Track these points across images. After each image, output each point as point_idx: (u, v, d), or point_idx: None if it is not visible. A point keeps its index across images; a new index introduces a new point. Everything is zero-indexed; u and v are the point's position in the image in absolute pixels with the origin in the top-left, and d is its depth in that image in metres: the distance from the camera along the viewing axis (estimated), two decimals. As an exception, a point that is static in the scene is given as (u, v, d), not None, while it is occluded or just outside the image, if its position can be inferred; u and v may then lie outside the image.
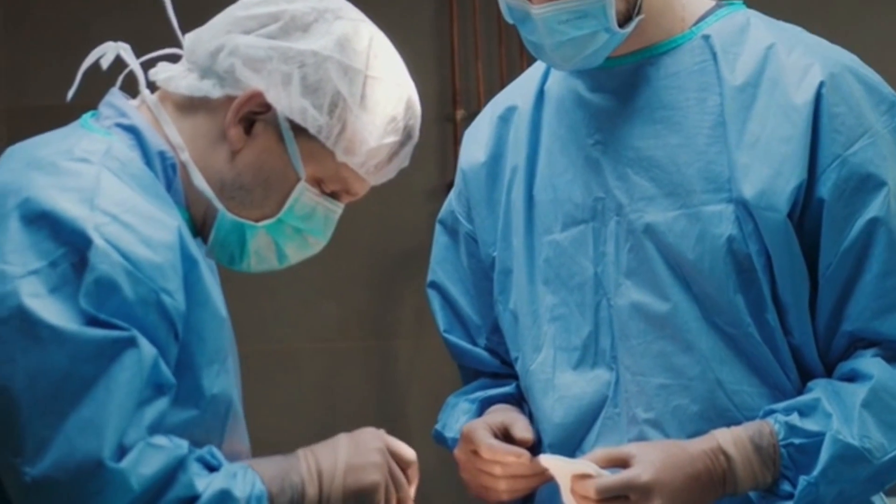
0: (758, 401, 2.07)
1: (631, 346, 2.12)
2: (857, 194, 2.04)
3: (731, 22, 2.14)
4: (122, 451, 1.69)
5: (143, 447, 1.70)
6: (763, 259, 2.05)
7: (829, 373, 2.09)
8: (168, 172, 1.88)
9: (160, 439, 1.72)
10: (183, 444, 1.74)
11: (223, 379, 1.87)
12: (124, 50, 1.94)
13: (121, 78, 1.95)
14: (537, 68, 2.28)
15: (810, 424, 2.02)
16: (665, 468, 1.99)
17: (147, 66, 1.96)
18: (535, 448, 2.21)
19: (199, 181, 1.90)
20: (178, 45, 1.96)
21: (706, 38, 2.13)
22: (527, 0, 2.08)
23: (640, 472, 1.99)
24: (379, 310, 4.40)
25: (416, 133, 1.99)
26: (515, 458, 2.11)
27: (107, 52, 1.94)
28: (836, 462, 2.00)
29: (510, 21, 2.13)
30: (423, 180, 4.39)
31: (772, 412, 2.04)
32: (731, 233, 2.05)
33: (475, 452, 2.13)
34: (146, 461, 1.70)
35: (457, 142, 4.35)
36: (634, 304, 2.11)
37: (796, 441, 2.02)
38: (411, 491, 1.93)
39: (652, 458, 2.00)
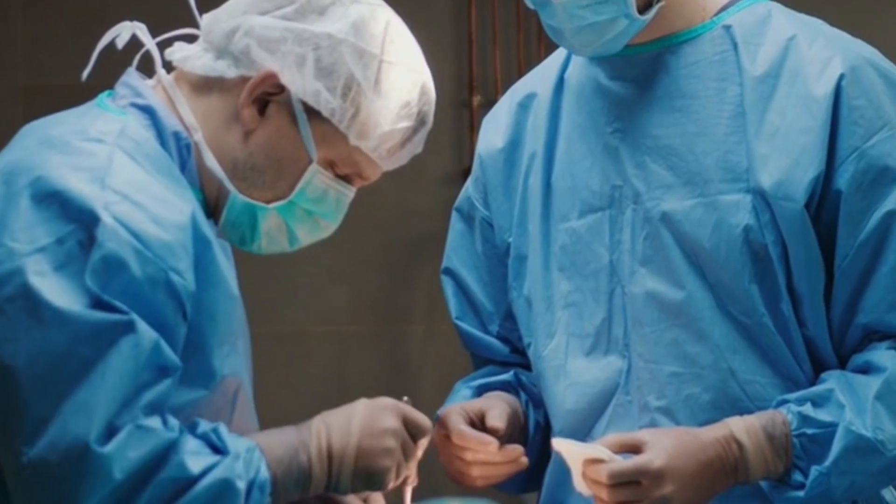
0: (770, 391, 2.07)
1: (644, 333, 2.12)
2: (875, 187, 2.04)
3: (752, 13, 2.14)
4: (110, 434, 1.68)
5: (132, 429, 1.69)
6: (779, 249, 2.05)
7: (842, 365, 2.08)
8: (182, 153, 1.88)
9: (153, 420, 1.72)
10: (175, 426, 1.74)
11: (233, 360, 1.87)
12: (140, 30, 1.95)
13: (137, 57, 1.95)
14: (557, 56, 2.28)
15: (823, 415, 2.02)
16: (677, 454, 1.99)
17: (163, 46, 1.96)
18: (537, 435, 2.22)
19: (212, 162, 1.90)
20: (196, 25, 1.96)
21: (727, 28, 2.13)
22: None
23: (653, 457, 1.98)
24: (392, 294, 4.40)
25: (430, 119, 1.99)
26: (482, 445, 2.11)
27: (122, 31, 1.94)
28: (848, 453, 2.00)
29: (531, 6, 2.13)
30: (439, 166, 4.39)
31: (785, 402, 2.04)
32: (748, 222, 2.05)
33: (448, 437, 2.13)
34: (133, 444, 1.69)
35: (473, 128, 4.35)
36: (649, 292, 2.11)
37: (809, 431, 2.02)
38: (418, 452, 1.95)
39: (664, 445, 2.00)
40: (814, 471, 2.01)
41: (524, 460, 2.12)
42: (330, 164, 1.93)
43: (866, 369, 2.05)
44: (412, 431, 1.92)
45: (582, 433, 2.15)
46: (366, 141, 1.92)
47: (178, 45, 1.95)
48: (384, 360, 4.39)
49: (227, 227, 1.94)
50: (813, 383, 2.08)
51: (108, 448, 1.67)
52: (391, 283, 4.39)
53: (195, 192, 1.89)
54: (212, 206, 1.93)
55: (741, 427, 2.03)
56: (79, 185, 1.73)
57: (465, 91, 4.37)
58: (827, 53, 2.08)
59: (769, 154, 2.06)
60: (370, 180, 1.98)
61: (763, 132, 2.07)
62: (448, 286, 2.35)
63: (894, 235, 2.04)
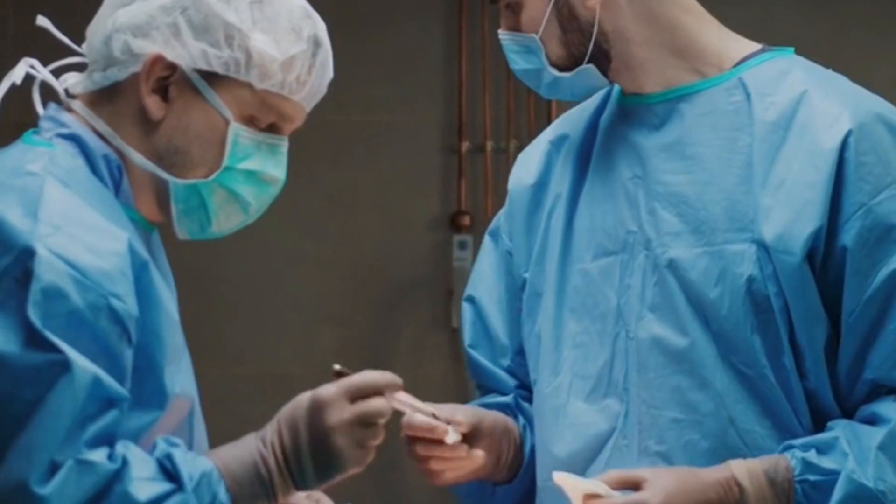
0: (769, 442, 2.07)
1: (648, 378, 2.12)
2: (881, 244, 2.05)
3: (772, 66, 2.16)
4: (51, 472, 1.68)
5: (72, 465, 1.69)
6: (781, 301, 2.06)
7: (847, 417, 2.09)
8: (115, 174, 1.90)
9: (95, 454, 1.71)
10: (119, 457, 1.73)
11: (182, 378, 1.87)
12: (32, 66, 1.95)
13: (36, 90, 1.96)
14: (595, 98, 2.31)
15: (827, 462, 2.02)
16: (676, 493, 2.00)
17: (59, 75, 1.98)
18: (533, 459, 2.23)
19: (139, 159, 1.90)
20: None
21: (741, 79, 2.14)
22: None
23: (650, 496, 1.99)
24: (377, 338, 4.40)
25: (325, 40, 1.98)
26: (428, 431, 2.09)
27: (17, 69, 1.94)
28: (849, 501, 2.00)
29: None
30: (427, 211, 4.39)
31: (790, 447, 2.05)
32: (752, 273, 2.06)
33: (409, 437, 2.12)
34: (73, 481, 1.69)
35: (462, 173, 4.36)
36: (655, 338, 2.12)
37: (811, 478, 2.02)
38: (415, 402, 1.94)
39: (664, 483, 2.00)
40: None
41: (479, 453, 2.13)
42: (250, 120, 1.93)
43: (872, 420, 2.06)
44: (362, 394, 1.90)
45: (575, 473, 2.16)
46: (269, 79, 1.91)
47: (67, 74, 1.96)
48: (368, 404, 4.38)
49: (183, 220, 1.94)
50: (811, 435, 2.09)
51: (48, 489, 1.68)
52: (377, 326, 4.39)
53: (131, 212, 1.90)
54: (154, 216, 1.94)
55: (743, 470, 2.03)
56: (12, 221, 1.74)
57: (454, 137, 4.38)
58: (837, 108, 2.09)
59: (773, 206, 2.07)
60: (296, 121, 1.98)
61: (769, 183, 2.08)
62: (467, 313, 2.36)
63: None
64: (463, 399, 4.20)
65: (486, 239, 2.38)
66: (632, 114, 2.20)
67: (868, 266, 2.05)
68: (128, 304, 1.77)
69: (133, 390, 1.79)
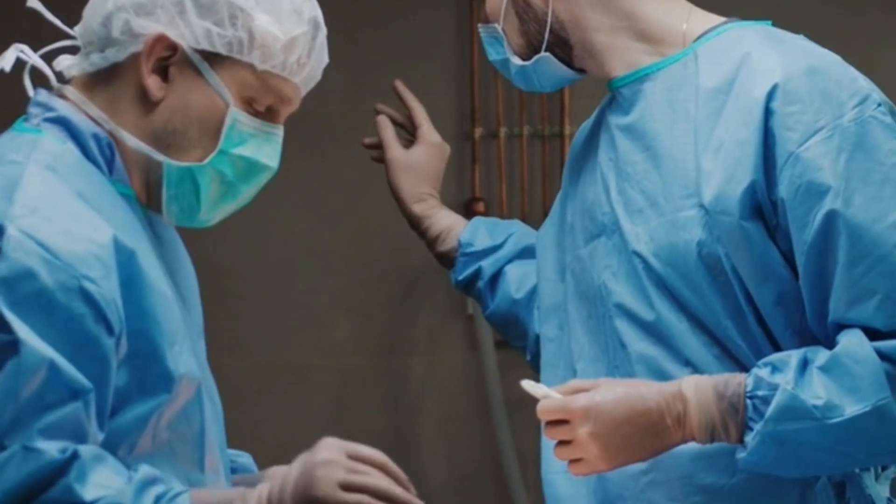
0: None
1: (627, 353, 2.16)
2: (812, 189, 2.05)
3: (727, 36, 2.19)
4: None
5: (17, 450, 1.68)
6: (731, 262, 2.07)
7: None
8: (106, 153, 1.89)
9: (45, 443, 1.70)
10: (69, 449, 1.71)
11: (186, 359, 1.86)
12: (22, 51, 1.95)
13: (26, 75, 1.95)
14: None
15: (776, 378, 2.03)
16: (611, 399, 2.03)
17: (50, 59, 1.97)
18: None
19: (133, 141, 1.90)
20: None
21: (696, 53, 2.15)
22: None
23: (582, 397, 2.03)
24: (393, 327, 4.39)
25: (322, 24, 1.98)
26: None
27: (6, 55, 1.93)
28: (780, 413, 2.01)
29: None
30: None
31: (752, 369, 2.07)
32: (701, 237, 2.09)
33: None
34: (14, 466, 1.68)
35: (475, 160, 4.35)
36: (627, 312, 2.16)
37: (760, 393, 2.04)
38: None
39: (603, 390, 2.04)
40: (753, 430, 2.02)
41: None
42: (249, 102, 1.93)
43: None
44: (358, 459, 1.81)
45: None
46: (271, 60, 1.91)
47: (60, 57, 1.95)
48: (385, 393, 4.38)
49: (172, 204, 1.93)
50: None
51: None
52: (393, 314, 4.38)
53: (125, 189, 1.89)
54: (147, 197, 1.93)
55: (691, 383, 2.06)
56: None
57: (467, 123, 4.37)
58: (772, 64, 2.10)
59: (713, 169, 2.09)
60: (294, 105, 1.97)
61: (710, 147, 2.10)
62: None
63: (838, 234, 2.04)
64: (479, 386, 4.21)
65: None
66: (612, 99, 2.25)
67: (803, 214, 2.05)
68: (102, 288, 1.74)
69: (137, 376, 1.78)
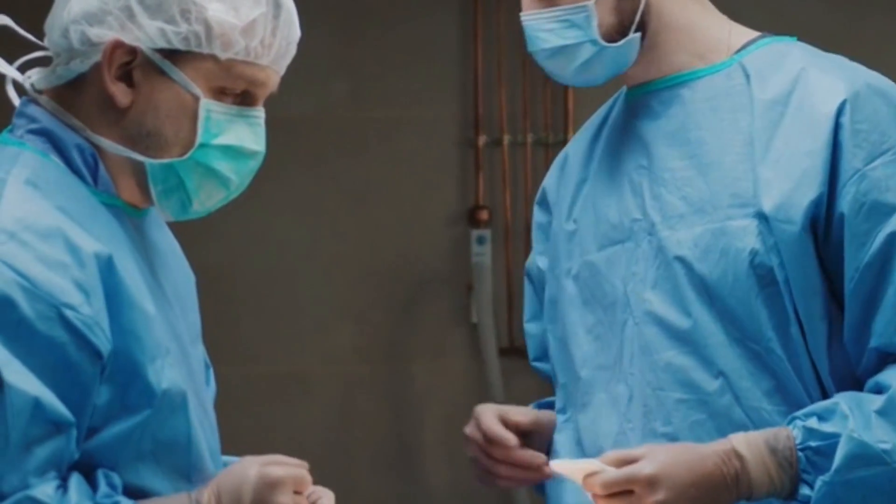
0: (776, 419, 2.07)
1: (652, 360, 2.13)
2: (877, 209, 2.05)
3: (771, 50, 2.19)
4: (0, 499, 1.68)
5: (21, 500, 1.69)
6: (784, 273, 2.07)
7: (859, 390, 2.09)
8: (90, 163, 1.88)
9: (43, 488, 1.71)
10: (60, 488, 1.72)
11: (170, 372, 1.84)
12: None
13: (9, 85, 1.94)
14: (604, 107, 2.33)
15: (828, 427, 2.01)
16: (672, 463, 2.01)
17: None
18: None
19: (112, 146, 1.88)
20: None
21: (741, 63, 2.16)
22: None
23: (644, 465, 2.00)
24: (396, 333, 4.39)
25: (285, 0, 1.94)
26: (504, 442, 2.18)
27: None
28: (851, 461, 2.00)
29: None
30: (444, 205, 4.38)
31: (793, 419, 2.05)
32: (754, 246, 2.08)
33: (477, 434, 2.20)
34: None
35: (479, 167, 4.34)
36: (657, 319, 2.13)
37: (813, 444, 2.02)
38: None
39: (659, 455, 2.01)
40: (819, 481, 2.00)
41: (547, 471, 2.15)
42: (221, 92, 1.90)
43: (877, 390, 2.05)
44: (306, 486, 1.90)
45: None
46: (232, 48, 1.88)
47: (32, 71, 1.94)
48: (388, 400, 4.38)
49: (164, 200, 1.91)
50: None
51: None
52: (396, 322, 4.38)
53: (113, 200, 1.88)
54: (139, 200, 1.92)
55: (742, 440, 2.03)
56: None
57: (470, 130, 4.37)
58: (833, 81, 2.11)
59: (773, 179, 2.08)
60: (269, 86, 1.94)
61: (769, 157, 2.09)
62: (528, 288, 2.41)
63: None
64: (482, 394, 4.20)
65: (525, 279, 2.41)
66: (637, 105, 2.22)
67: (864, 232, 2.05)
68: (82, 314, 1.74)
69: (118, 394, 1.77)
